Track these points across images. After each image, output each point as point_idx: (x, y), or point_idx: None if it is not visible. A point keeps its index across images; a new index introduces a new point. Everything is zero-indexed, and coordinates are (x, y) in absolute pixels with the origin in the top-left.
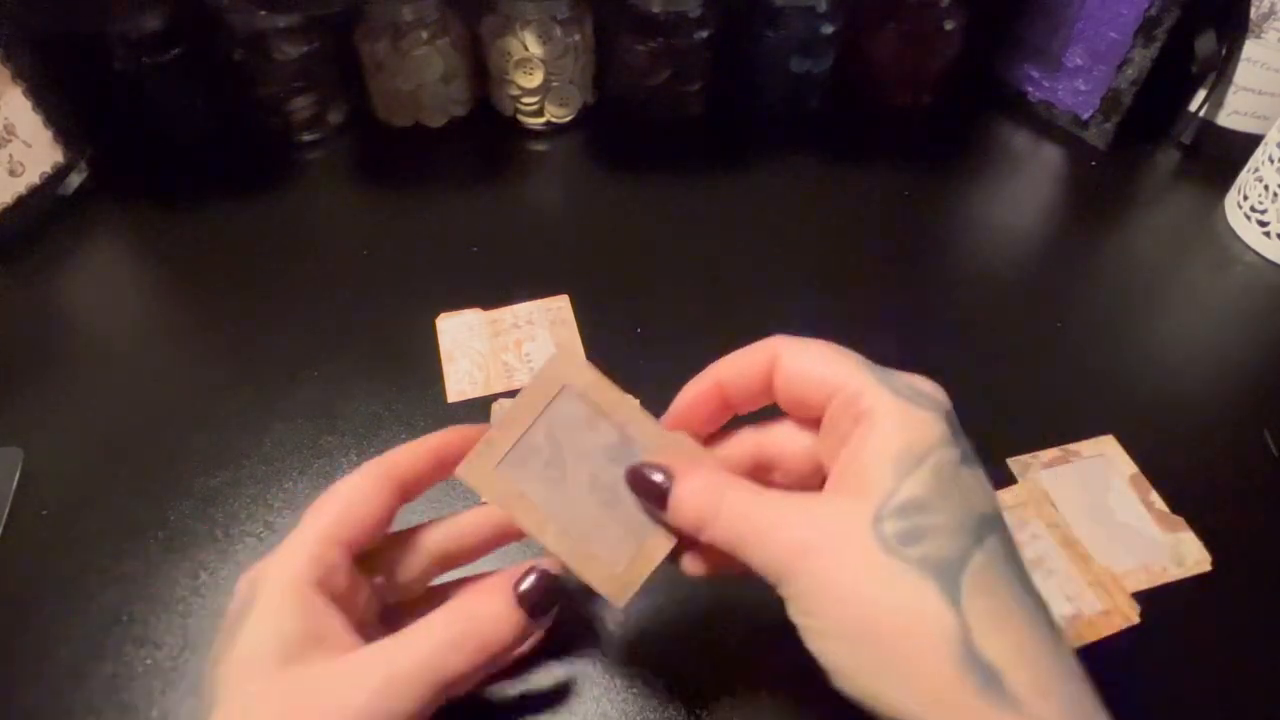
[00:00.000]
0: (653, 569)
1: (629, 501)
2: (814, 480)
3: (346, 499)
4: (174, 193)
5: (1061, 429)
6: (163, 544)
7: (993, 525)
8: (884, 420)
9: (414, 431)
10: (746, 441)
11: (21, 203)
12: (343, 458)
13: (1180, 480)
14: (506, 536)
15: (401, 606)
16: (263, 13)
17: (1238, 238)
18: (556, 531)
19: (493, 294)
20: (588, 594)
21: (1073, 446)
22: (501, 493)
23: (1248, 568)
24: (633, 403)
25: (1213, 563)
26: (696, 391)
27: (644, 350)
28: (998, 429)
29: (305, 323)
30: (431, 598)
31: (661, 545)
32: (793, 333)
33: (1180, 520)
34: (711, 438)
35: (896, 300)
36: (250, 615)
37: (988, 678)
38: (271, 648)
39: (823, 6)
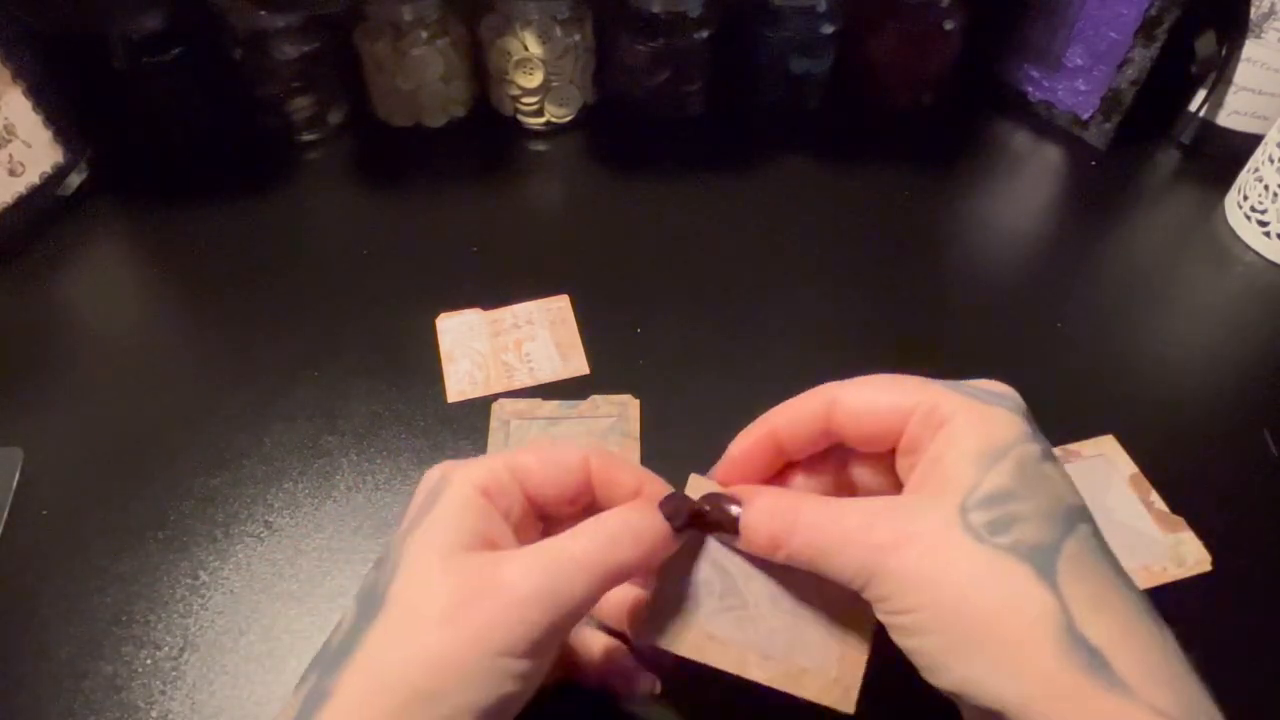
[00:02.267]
0: (866, 661)
1: (814, 603)
2: None
3: (543, 458)
4: (174, 193)
5: (1061, 429)
6: (163, 544)
7: (1082, 515)
8: (961, 421)
9: (414, 431)
10: (822, 480)
11: (21, 203)
12: (343, 458)
13: (1180, 480)
14: None
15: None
16: (263, 13)
17: (1238, 238)
18: (759, 660)
19: (493, 294)
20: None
21: (1073, 446)
22: (691, 644)
23: (1248, 568)
24: None
25: (1213, 563)
26: (750, 442)
27: (644, 350)
28: None
29: (305, 323)
30: None
31: (865, 634)
32: (793, 332)
33: (1180, 520)
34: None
35: (896, 300)
36: (437, 505)
37: (1093, 659)
38: (454, 536)
39: (823, 6)
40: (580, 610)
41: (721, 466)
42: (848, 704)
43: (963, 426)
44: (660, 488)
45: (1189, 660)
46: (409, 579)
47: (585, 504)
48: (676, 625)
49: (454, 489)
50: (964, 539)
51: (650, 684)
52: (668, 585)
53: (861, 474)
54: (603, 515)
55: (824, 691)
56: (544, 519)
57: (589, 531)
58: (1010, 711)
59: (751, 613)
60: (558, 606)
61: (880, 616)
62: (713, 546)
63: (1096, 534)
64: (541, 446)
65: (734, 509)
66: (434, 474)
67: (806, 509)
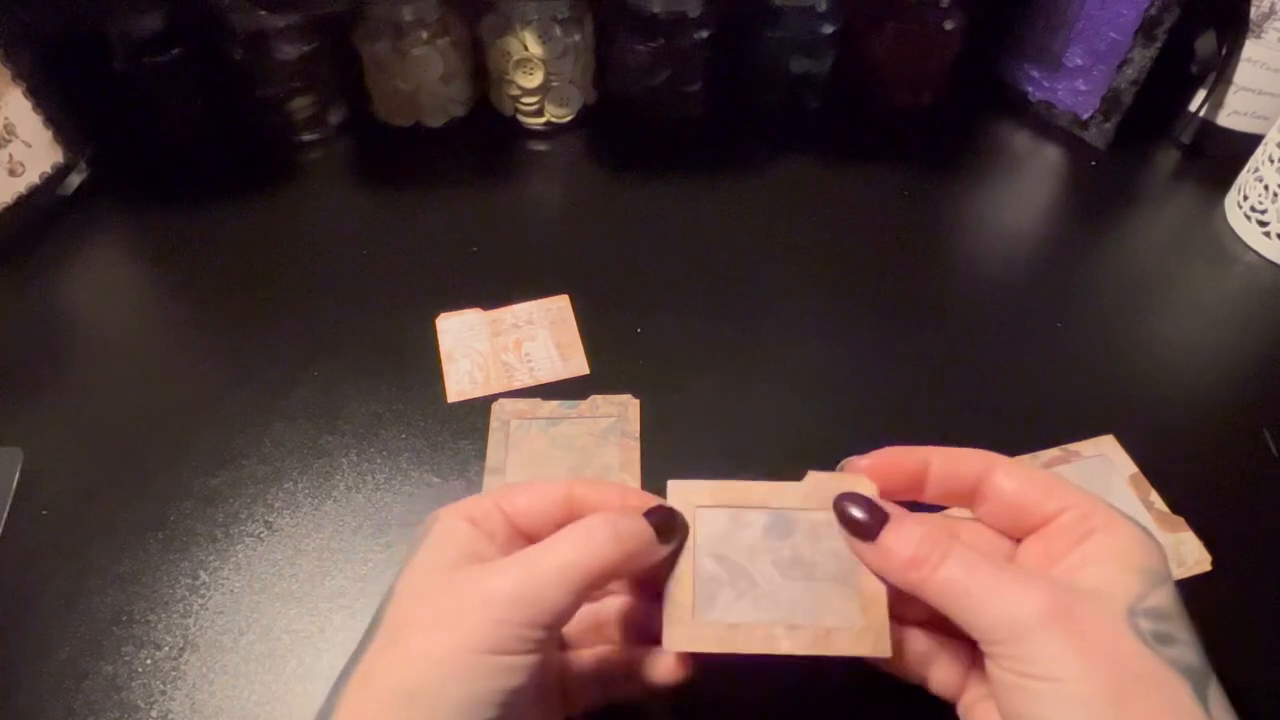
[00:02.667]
0: (887, 600)
1: (821, 561)
2: None
3: (530, 491)
4: (174, 193)
5: (1061, 429)
6: (163, 544)
7: (1210, 666)
8: (1127, 537)
9: (414, 431)
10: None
11: (21, 203)
12: (342, 458)
13: (1180, 480)
14: None
15: None
16: (263, 13)
17: (1238, 238)
18: (786, 633)
19: (493, 294)
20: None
21: (1073, 446)
22: (716, 639)
23: (1248, 568)
24: (757, 483)
25: (1213, 563)
26: (904, 460)
27: (644, 350)
28: (998, 429)
29: (305, 323)
30: None
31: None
32: (793, 332)
33: (1180, 520)
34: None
35: (896, 300)
36: (426, 539)
37: None
38: (441, 557)
39: (823, 6)
40: (561, 611)
41: (867, 458)
42: (883, 648)
43: (1123, 541)
44: (643, 500)
45: None
46: (401, 599)
47: None
48: (696, 626)
49: (442, 522)
50: (1132, 637)
51: (668, 668)
52: (674, 592)
53: (969, 534)
54: (586, 519)
55: (857, 643)
56: (532, 541)
57: (569, 534)
58: None
59: (765, 590)
60: (535, 607)
61: (1005, 673)
62: (704, 541)
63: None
64: (529, 483)
65: (860, 514)
66: (428, 519)
67: (961, 545)
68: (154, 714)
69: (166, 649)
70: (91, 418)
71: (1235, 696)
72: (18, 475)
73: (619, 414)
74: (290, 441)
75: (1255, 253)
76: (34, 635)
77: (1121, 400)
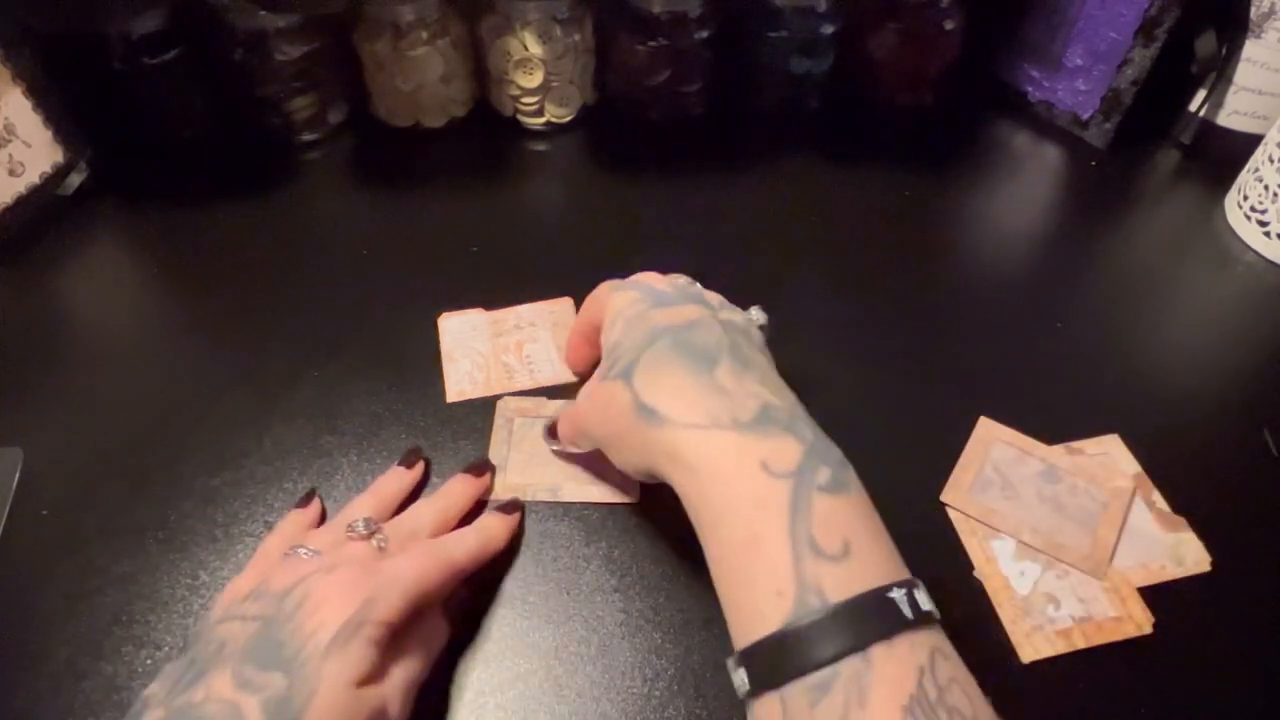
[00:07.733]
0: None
1: (1070, 508)
2: None
3: (443, 578)
4: (174, 193)
5: (1064, 428)
6: (163, 544)
7: (665, 332)
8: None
9: (414, 431)
10: None
11: (21, 203)
12: (342, 458)
13: (1182, 480)
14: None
15: None
16: (263, 13)
17: (1238, 238)
18: (1030, 532)
19: (493, 294)
20: None
21: (1076, 444)
22: (979, 509)
23: (1248, 568)
24: (1043, 446)
25: (1213, 563)
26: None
27: None
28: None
29: (305, 323)
30: None
31: (1111, 533)
32: (794, 332)
33: (1181, 520)
34: None
35: (897, 300)
36: (353, 641)
37: (650, 414)
38: (362, 670)
39: (823, 6)
40: (401, 618)
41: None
42: (1103, 574)
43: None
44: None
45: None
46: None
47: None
48: (970, 498)
49: (365, 630)
50: (598, 382)
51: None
52: (961, 473)
53: None
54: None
55: (1081, 561)
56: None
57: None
58: (634, 470)
59: (1024, 504)
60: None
61: None
62: (993, 460)
63: (679, 339)
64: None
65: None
66: (355, 602)
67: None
68: None
69: (166, 649)
70: (91, 418)
71: (1234, 696)
72: (18, 475)
73: None
74: (290, 441)
75: (1255, 253)
76: (34, 635)
77: (1122, 400)
